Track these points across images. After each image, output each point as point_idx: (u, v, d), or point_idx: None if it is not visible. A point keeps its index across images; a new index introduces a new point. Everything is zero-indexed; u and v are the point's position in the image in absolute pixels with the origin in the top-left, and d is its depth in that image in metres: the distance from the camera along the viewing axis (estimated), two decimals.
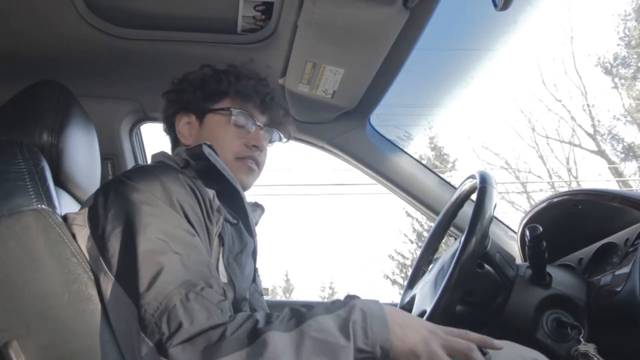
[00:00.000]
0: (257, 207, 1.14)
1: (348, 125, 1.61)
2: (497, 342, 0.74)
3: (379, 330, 0.69)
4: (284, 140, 1.17)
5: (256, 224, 1.12)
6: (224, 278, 0.85)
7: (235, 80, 1.07)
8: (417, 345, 0.69)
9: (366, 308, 0.71)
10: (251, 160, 1.05)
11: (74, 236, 0.79)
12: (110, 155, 1.54)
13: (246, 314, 0.72)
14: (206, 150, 0.93)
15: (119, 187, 0.81)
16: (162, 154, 1.03)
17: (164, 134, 1.15)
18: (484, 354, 0.72)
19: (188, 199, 0.82)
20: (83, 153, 1.02)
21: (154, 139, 1.15)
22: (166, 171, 0.85)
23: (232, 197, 0.95)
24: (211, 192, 0.89)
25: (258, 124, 1.07)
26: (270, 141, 1.13)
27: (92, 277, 0.76)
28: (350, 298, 0.75)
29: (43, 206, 0.78)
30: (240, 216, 0.96)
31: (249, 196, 1.07)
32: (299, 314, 0.70)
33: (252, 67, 1.13)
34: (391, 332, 0.70)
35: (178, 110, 1.09)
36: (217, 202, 0.89)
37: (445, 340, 0.71)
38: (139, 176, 0.83)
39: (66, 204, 0.91)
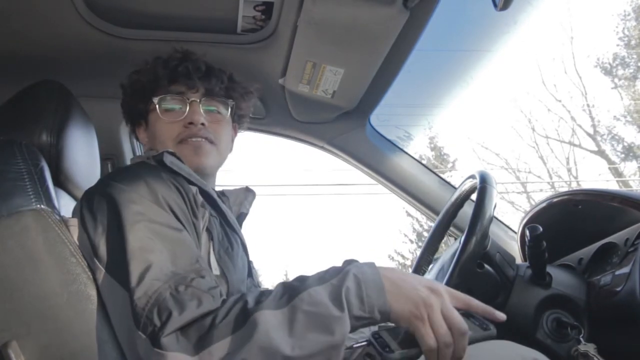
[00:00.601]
0: (248, 192, 1.13)
1: (348, 125, 1.61)
2: (500, 314, 0.71)
3: (375, 295, 0.67)
4: (231, 102, 1.08)
5: (247, 213, 1.11)
6: (216, 271, 0.85)
7: (155, 70, 1.05)
8: (418, 307, 0.67)
9: (360, 273, 0.69)
10: (194, 137, 1.00)
11: None
12: (110, 155, 1.54)
13: (237, 296, 0.70)
14: (168, 160, 0.90)
15: (106, 189, 0.81)
16: (142, 155, 1.03)
17: None
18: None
19: (173, 196, 0.82)
20: (83, 153, 1.02)
21: None
22: (149, 170, 0.86)
23: (207, 197, 0.94)
24: (194, 188, 0.89)
25: (192, 99, 1.03)
26: (216, 112, 1.06)
27: (91, 276, 0.76)
28: (347, 263, 0.73)
29: (42, 206, 0.78)
30: (218, 214, 0.96)
31: (240, 183, 1.04)
32: (291, 289, 0.68)
33: (179, 49, 1.09)
34: (388, 295, 0.67)
35: (133, 124, 1.10)
36: (200, 198, 0.89)
37: (446, 306, 0.68)
38: (123, 177, 0.83)
39: (65, 204, 0.91)
